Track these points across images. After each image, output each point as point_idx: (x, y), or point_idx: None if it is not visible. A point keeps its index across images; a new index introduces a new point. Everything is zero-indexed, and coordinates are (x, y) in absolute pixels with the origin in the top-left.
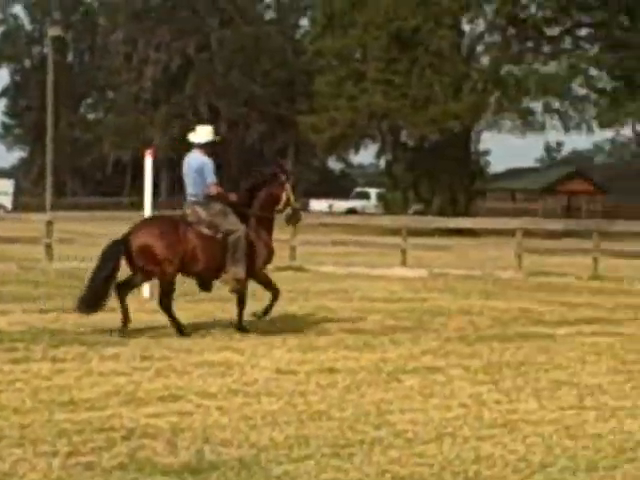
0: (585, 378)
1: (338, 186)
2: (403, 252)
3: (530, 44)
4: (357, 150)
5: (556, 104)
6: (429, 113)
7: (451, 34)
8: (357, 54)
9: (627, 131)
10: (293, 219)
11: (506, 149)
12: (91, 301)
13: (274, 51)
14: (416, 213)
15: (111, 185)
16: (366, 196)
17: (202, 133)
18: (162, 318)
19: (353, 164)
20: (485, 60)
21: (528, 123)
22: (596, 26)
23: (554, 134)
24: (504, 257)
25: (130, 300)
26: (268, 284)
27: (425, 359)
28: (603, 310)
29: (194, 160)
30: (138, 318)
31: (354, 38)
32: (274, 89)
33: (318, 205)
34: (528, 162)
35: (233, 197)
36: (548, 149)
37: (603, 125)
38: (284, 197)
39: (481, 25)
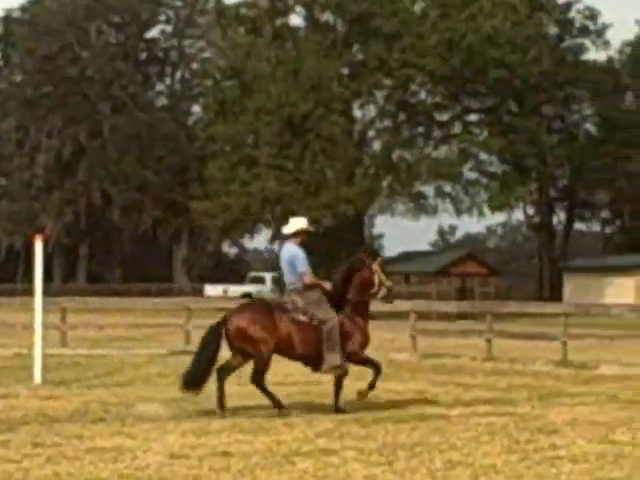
0: (479, 458)
1: (233, 271)
2: None
3: (421, 129)
4: (252, 235)
5: (448, 188)
6: (322, 198)
7: (342, 120)
8: (249, 140)
9: (518, 214)
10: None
11: (400, 232)
12: (195, 381)
13: (167, 137)
14: None
15: (4, 272)
16: (261, 280)
17: (292, 224)
18: (54, 404)
19: (248, 249)
20: (377, 145)
21: (420, 207)
22: (485, 112)
23: (448, 218)
24: (398, 339)
25: (21, 386)
26: (367, 362)
27: (320, 441)
28: (497, 390)
29: (286, 251)
30: (29, 404)
31: (246, 124)
32: (167, 175)
33: (213, 290)
34: (422, 245)
35: (328, 286)
36: (442, 233)
37: (494, 209)
38: (376, 280)
39: (372, 111)
